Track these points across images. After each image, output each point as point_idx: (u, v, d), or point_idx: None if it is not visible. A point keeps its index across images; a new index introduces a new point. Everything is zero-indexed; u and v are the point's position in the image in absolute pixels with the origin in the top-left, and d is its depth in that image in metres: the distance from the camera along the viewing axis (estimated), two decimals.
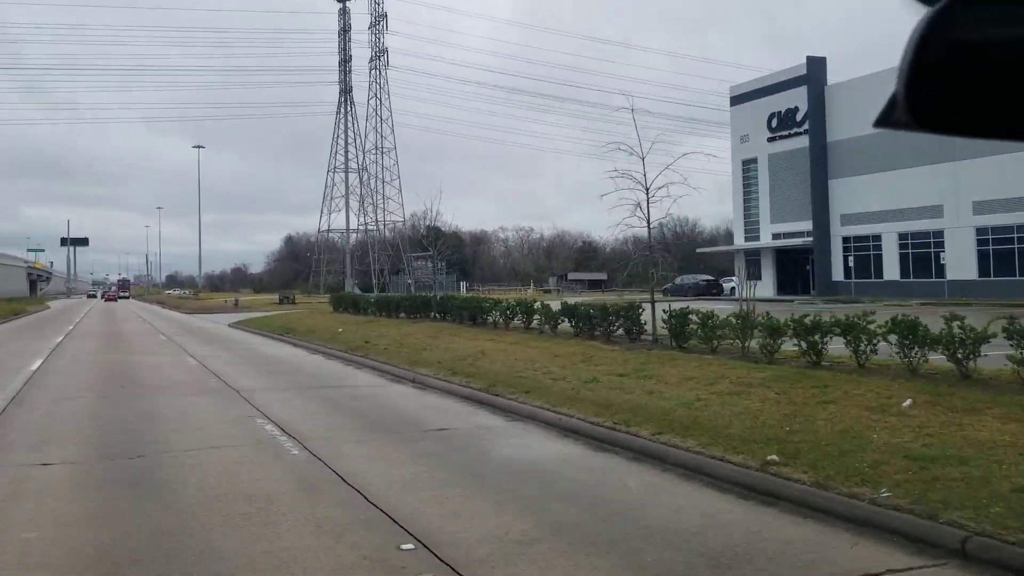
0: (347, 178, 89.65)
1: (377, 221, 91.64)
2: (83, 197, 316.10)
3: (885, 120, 0.93)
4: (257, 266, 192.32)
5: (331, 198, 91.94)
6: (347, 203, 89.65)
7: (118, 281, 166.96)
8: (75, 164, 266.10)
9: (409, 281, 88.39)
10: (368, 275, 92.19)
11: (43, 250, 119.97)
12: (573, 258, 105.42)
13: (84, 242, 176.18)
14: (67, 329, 34.01)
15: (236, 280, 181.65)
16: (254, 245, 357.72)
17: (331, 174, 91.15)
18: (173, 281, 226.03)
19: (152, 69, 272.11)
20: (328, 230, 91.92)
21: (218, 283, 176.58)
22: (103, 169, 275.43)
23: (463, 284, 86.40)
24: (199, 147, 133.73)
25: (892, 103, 0.92)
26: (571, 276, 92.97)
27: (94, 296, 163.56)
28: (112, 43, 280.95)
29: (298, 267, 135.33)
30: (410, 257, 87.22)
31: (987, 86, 0.88)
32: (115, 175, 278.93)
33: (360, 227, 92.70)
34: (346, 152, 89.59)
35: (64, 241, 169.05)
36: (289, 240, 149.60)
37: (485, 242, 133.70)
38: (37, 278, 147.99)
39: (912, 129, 0.93)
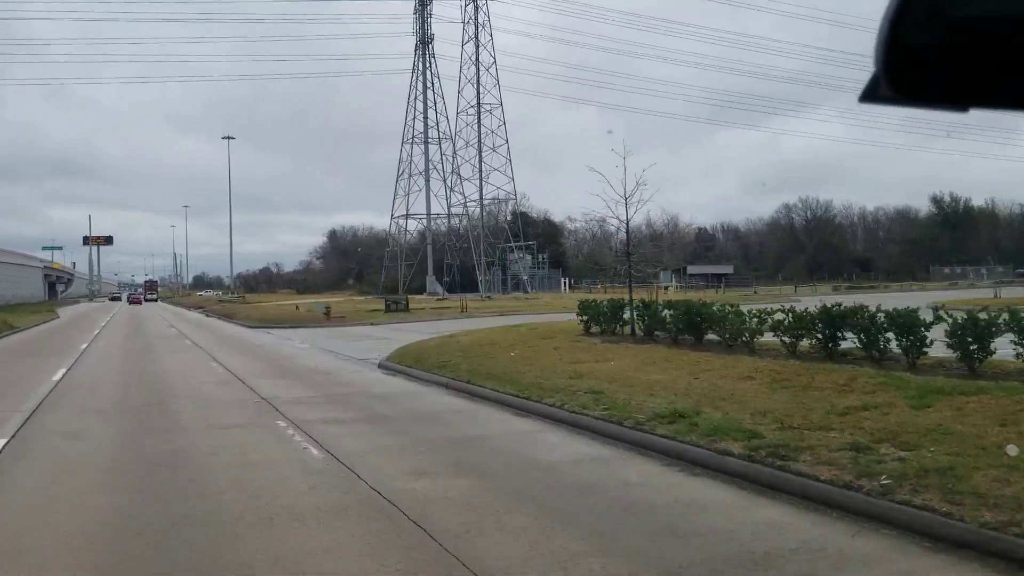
0: (426, 150, 73.25)
1: (479, 200, 75.02)
2: (104, 198, 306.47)
3: (870, 96, 0.92)
4: (288, 265, 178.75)
5: (408, 175, 75.28)
6: (427, 181, 73.50)
7: (144, 283, 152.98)
8: (95, 165, 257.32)
9: (507, 277, 72.94)
10: (439, 271, 75.92)
11: (60, 247, 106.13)
12: (690, 248, 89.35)
13: (108, 241, 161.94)
14: (54, 377, 17.58)
15: (268, 280, 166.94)
16: (279, 246, 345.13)
17: (407, 146, 74.52)
18: (201, 282, 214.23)
19: (173, 60, 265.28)
20: (406, 214, 74.95)
21: (252, 283, 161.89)
22: (123, 169, 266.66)
23: (563, 281, 69.93)
24: (229, 138, 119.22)
25: (875, 79, 0.92)
26: (691, 270, 76.48)
27: (118, 298, 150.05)
28: (131, 38, 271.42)
29: (347, 265, 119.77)
30: (505, 249, 71.27)
31: (966, 56, 0.88)
32: (135, 176, 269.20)
33: (447, 212, 75.86)
34: (425, 118, 73.18)
35: (86, 240, 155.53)
36: (333, 235, 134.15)
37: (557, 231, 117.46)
38: (57, 279, 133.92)
39: (897, 104, 0.93)
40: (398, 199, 73.16)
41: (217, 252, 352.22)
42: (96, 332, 35.37)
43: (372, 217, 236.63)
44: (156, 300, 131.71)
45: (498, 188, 68.91)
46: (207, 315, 51.88)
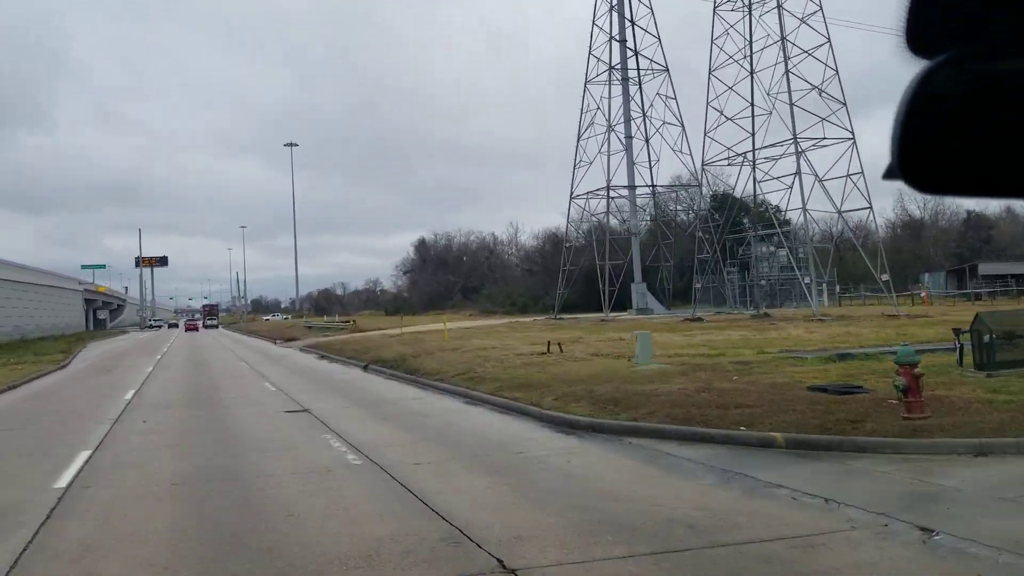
0: (625, 89, 49.97)
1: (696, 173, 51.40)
2: (155, 224, 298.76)
3: (890, 174, 0.92)
4: (355, 285, 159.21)
5: (586, 146, 51.68)
6: (628, 138, 50.28)
7: (203, 307, 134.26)
8: (146, 190, 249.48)
9: (749, 284, 49.91)
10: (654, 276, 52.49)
11: (103, 266, 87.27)
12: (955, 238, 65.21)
13: (162, 262, 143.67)
14: None
15: (339, 302, 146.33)
16: (332, 269, 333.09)
17: (587, 115, 50.79)
18: (259, 306, 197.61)
19: (223, 86, 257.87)
20: (590, 193, 51.43)
21: (324, 305, 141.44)
22: (175, 194, 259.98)
23: (825, 292, 46.01)
24: (291, 144, 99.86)
25: (892, 167, 0.92)
26: (984, 271, 52.19)
27: (175, 326, 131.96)
28: (182, 64, 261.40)
29: (447, 278, 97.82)
30: (749, 240, 47.79)
31: (975, 147, 0.89)
32: (186, 201, 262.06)
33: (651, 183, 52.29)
34: (622, 40, 49.80)
35: (138, 262, 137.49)
36: (422, 246, 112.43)
37: None
38: (104, 305, 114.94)
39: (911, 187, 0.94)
40: (579, 171, 50.21)
41: (272, 276, 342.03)
42: (144, 376, 16.01)
43: (466, 222, 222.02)
44: (216, 326, 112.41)
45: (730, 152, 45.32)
46: (324, 358, 29.72)
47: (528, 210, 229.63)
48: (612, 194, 48.47)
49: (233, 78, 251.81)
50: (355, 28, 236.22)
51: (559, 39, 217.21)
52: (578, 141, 49.94)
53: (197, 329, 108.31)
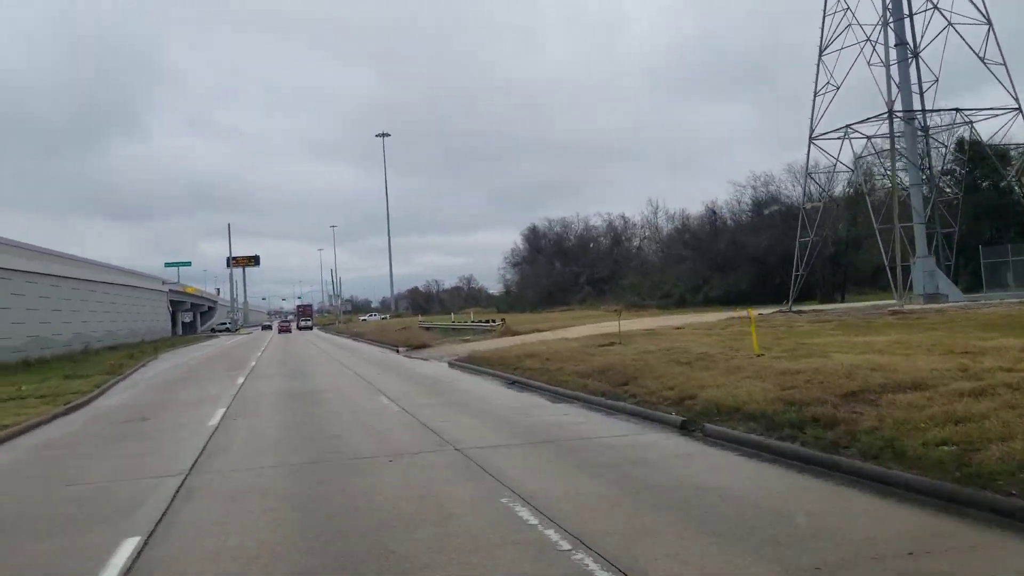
0: None
1: None
2: (246, 230, 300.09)
3: None
4: (448, 283, 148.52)
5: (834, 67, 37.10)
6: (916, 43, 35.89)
7: (297, 307, 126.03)
8: (236, 194, 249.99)
9: None
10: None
11: (188, 263, 77.95)
12: None
13: (254, 261, 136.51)
14: None
15: (439, 300, 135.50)
16: (418, 268, 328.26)
17: (833, 17, 35.96)
18: (351, 306, 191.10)
19: (311, 89, 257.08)
20: (849, 127, 36.55)
21: (423, 303, 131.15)
22: (264, 198, 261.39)
23: None
24: (383, 135, 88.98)
25: None
26: None
27: (269, 327, 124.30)
28: (269, 70, 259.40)
29: (572, 269, 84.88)
30: None
31: None
32: (275, 204, 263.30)
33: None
34: None
35: (229, 261, 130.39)
36: (533, 234, 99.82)
37: None
38: (193, 307, 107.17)
39: None
40: (819, 99, 36.19)
41: (360, 277, 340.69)
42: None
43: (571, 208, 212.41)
44: (311, 327, 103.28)
45: None
46: (531, 388, 16.92)
47: (613, 204, 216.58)
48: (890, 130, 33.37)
49: (320, 80, 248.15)
50: (443, 26, 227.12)
51: (656, 26, 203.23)
52: (820, 55, 35.64)
53: (290, 330, 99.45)
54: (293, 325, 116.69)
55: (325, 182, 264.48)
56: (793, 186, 61.76)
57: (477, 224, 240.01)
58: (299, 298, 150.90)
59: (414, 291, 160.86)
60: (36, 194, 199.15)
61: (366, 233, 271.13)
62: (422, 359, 27.40)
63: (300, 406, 14.89)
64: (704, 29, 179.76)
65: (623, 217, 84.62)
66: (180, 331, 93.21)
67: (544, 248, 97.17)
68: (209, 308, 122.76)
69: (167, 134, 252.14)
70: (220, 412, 14.15)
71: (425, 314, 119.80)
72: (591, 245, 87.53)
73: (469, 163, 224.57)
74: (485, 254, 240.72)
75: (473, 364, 21.42)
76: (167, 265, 80.00)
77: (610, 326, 33.18)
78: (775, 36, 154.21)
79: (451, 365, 23.15)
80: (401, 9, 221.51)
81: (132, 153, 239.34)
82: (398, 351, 32.19)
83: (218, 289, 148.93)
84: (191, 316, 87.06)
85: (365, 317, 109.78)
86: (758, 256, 60.18)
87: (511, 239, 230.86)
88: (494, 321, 38.23)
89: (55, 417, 14.62)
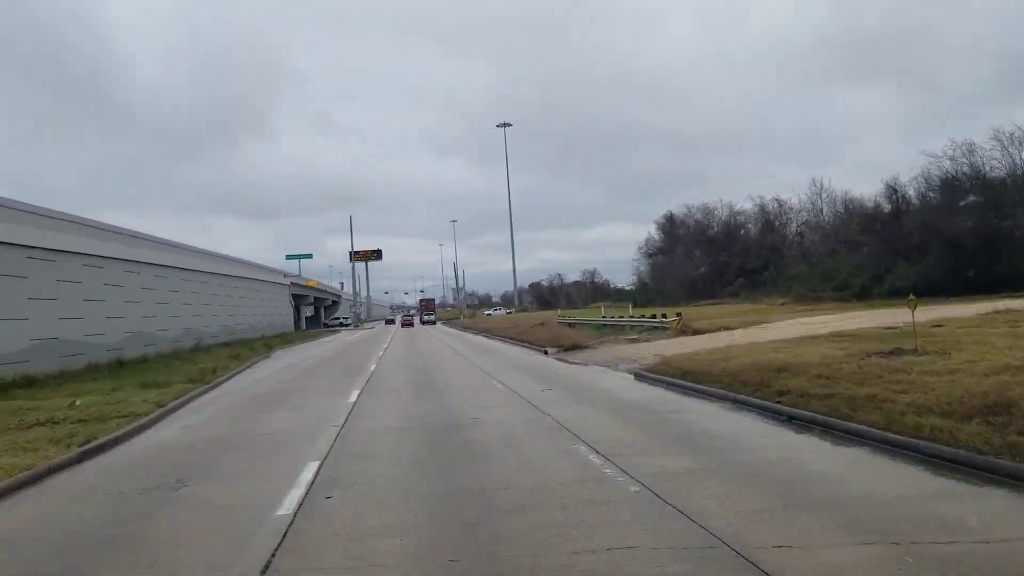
0: None
1: None
2: (367, 227, 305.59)
3: None
4: (569, 277, 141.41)
5: None
6: None
7: (420, 301, 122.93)
8: (360, 194, 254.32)
9: None
10: None
11: (310, 255, 74.87)
12: None
13: (376, 255, 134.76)
14: None
15: (567, 295, 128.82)
16: (535, 263, 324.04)
17: None
18: (475, 301, 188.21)
19: (429, 86, 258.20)
20: None
21: (548, 297, 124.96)
22: (383, 195, 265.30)
23: None
24: (505, 125, 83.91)
25: None
26: None
27: (392, 322, 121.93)
28: (388, 68, 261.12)
29: (720, 258, 76.26)
30: None
31: None
32: (395, 203, 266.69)
33: None
34: None
35: (352, 256, 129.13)
36: (670, 223, 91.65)
37: None
38: (316, 301, 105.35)
39: None
40: None
41: (478, 273, 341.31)
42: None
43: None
44: (434, 322, 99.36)
45: None
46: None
47: (740, 195, 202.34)
48: None
49: (438, 77, 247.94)
50: (561, 13, 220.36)
51: (787, 5, 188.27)
52: None
53: (412, 325, 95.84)
54: (416, 319, 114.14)
55: (443, 179, 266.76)
56: (1003, 156, 51.23)
57: (595, 218, 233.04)
58: (421, 292, 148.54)
59: (537, 285, 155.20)
60: (174, 196, 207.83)
61: (483, 229, 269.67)
62: (581, 364, 20.84)
63: (442, 462, 8.55)
64: (840, 7, 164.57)
65: (777, 200, 75.03)
66: (304, 325, 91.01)
67: (683, 237, 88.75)
68: (333, 302, 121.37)
69: (292, 135, 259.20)
70: (307, 475, 7.97)
71: (550, 308, 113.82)
72: (740, 232, 78.48)
73: (587, 155, 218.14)
74: (603, 248, 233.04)
75: (678, 379, 14.58)
76: (288, 258, 77.46)
77: (814, 322, 25.64)
78: (914, 15, 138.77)
79: (639, 377, 16.45)
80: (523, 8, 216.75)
81: (260, 154, 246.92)
82: (546, 353, 25.75)
83: (341, 283, 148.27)
84: (312, 310, 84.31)
85: (489, 312, 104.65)
86: (953, 240, 50.14)
87: (631, 232, 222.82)
88: (664, 316, 31.03)
89: (38, 479, 8.85)
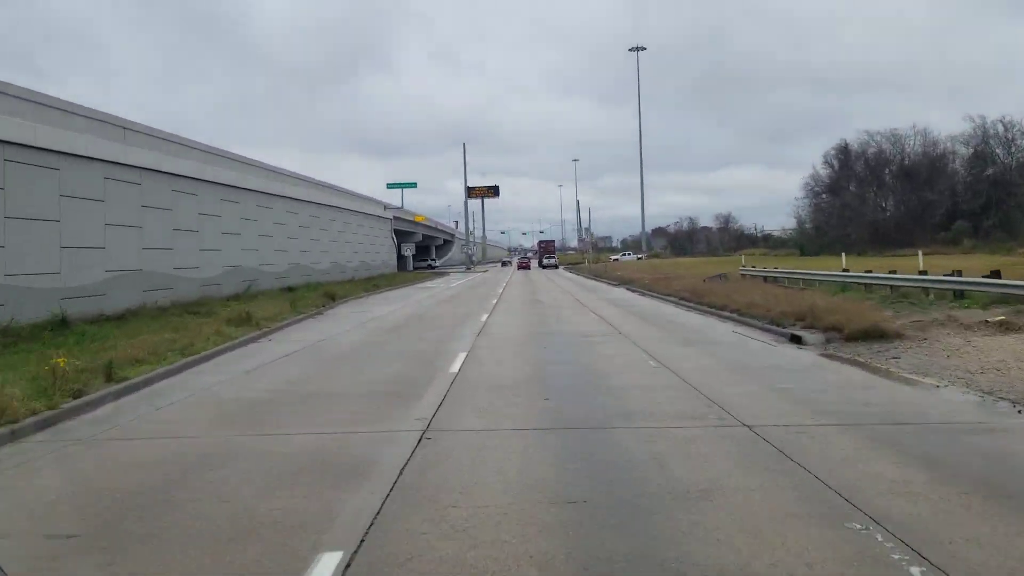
0: None
1: None
2: (486, 168, 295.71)
3: None
4: (702, 221, 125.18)
5: None
6: None
7: (538, 243, 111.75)
8: (481, 133, 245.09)
9: None
10: None
11: (413, 184, 63.26)
12: None
13: (493, 191, 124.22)
14: None
15: (706, 240, 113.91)
16: (658, 208, 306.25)
17: None
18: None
19: (555, 22, 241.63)
20: None
21: (682, 245, 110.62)
22: (506, 137, 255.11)
23: None
24: (638, 48, 69.92)
25: None
26: None
27: (509, 263, 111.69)
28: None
29: (914, 197, 60.32)
30: None
31: None
32: (516, 143, 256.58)
33: None
34: None
35: (467, 191, 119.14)
36: (844, 155, 75.39)
37: None
38: (426, 239, 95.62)
39: None
40: None
41: (599, 217, 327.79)
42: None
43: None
44: (556, 266, 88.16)
45: None
46: None
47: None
48: None
49: (566, 13, 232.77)
50: None
51: None
52: None
53: (529, 267, 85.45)
54: (533, 263, 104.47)
55: (564, 120, 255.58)
56: None
57: (723, 161, 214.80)
58: (541, 232, 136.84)
59: (662, 231, 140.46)
60: (300, 134, 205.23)
61: (603, 172, 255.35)
62: (976, 397, 8.42)
63: None
64: None
65: (1004, 122, 57.69)
66: (410, 266, 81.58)
67: (861, 173, 72.60)
68: (445, 242, 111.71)
69: (415, 73, 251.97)
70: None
71: (684, 254, 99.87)
72: (947, 166, 61.94)
73: (717, 94, 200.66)
74: (731, 193, 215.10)
75: None
76: (390, 187, 66.25)
77: None
78: None
79: None
80: None
81: (381, 91, 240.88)
82: (798, 343, 13.36)
83: (456, 222, 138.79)
84: (412, 249, 74.09)
85: (616, 257, 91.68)
86: None
87: (762, 177, 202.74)
88: (959, 273, 17.43)
89: None
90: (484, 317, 20.55)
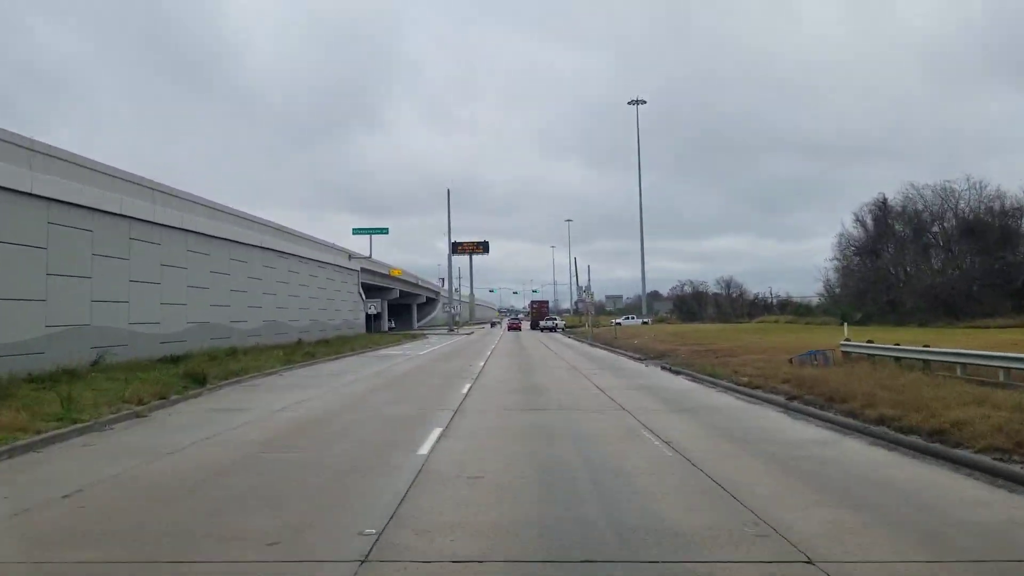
0: None
1: None
2: (473, 227, 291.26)
3: None
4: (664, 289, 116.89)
5: None
6: None
7: (531, 304, 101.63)
8: (466, 196, 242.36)
9: None
10: None
11: (385, 230, 52.20)
12: None
13: (482, 248, 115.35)
14: None
15: (715, 304, 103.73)
16: (649, 272, 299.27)
17: None
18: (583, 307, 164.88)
19: (545, 80, 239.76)
20: None
21: (692, 308, 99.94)
22: (495, 197, 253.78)
23: None
24: (638, 102, 62.11)
25: None
26: None
27: (497, 324, 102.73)
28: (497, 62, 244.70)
29: (975, 261, 50.56)
30: None
31: None
32: (504, 204, 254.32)
33: None
34: None
35: (455, 248, 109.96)
36: (882, 212, 66.12)
37: None
38: (404, 297, 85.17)
39: None
40: None
41: (589, 280, 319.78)
42: None
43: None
44: (554, 328, 78.63)
45: None
46: None
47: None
48: None
49: (555, 71, 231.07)
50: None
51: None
52: None
53: (520, 328, 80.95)
54: (525, 324, 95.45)
55: (554, 181, 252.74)
56: None
57: (713, 228, 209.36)
58: (535, 291, 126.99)
59: (658, 295, 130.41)
60: (288, 189, 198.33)
61: (593, 236, 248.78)
62: None
63: None
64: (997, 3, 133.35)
65: None
66: (384, 327, 71.02)
67: (902, 232, 63.19)
68: (429, 300, 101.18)
69: (404, 131, 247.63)
70: None
71: (694, 319, 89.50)
72: (1019, 225, 52.36)
73: (707, 158, 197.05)
74: (723, 260, 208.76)
75: None
76: (356, 232, 54.92)
77: None
78: None
79: None
80: None
81: (369, 146, 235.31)
82: None
83: (442, 279, 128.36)
84: (379, 306, 62.87)
85: (618, 321, 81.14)
86: None
87: (752, 245, 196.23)
88: None
89: None
90: (437, 431, 10.30)
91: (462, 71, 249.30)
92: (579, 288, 72.28)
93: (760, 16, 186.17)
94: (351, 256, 52.10)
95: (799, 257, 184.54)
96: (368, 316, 57.49)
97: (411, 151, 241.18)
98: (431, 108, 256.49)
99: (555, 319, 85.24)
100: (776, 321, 67.28)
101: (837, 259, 69.38)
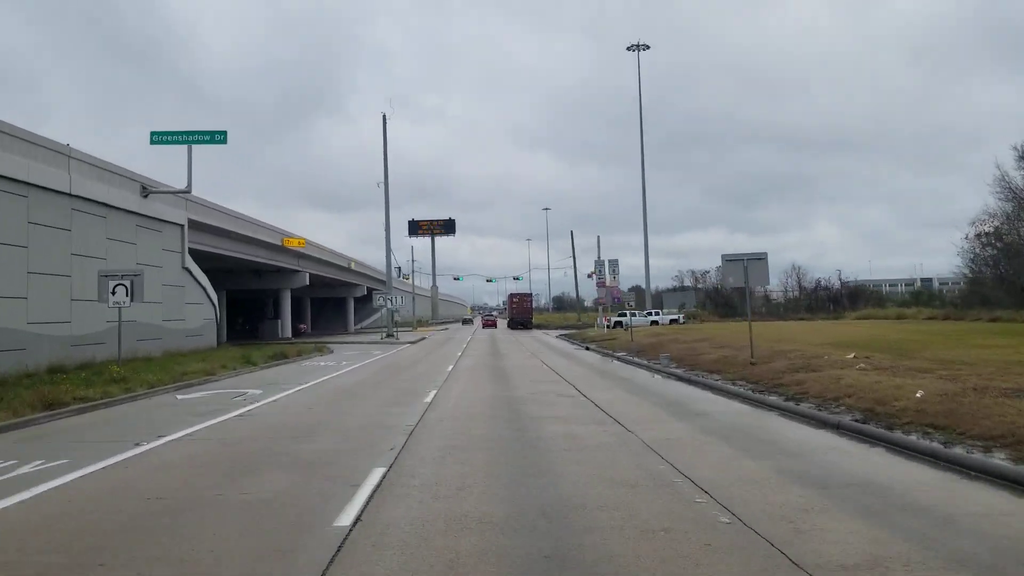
0: None
1: None
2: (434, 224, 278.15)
3: None
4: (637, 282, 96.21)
5: None
6: None
7: (509, 297, 78.36)
8: (437, 190, 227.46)
9: None
10: None
11: (223, 133, 29.35)
12: None
13: (447, 228, 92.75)
14: None
15: (720, 297, 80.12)
16: (628, 269, 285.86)
17: None
18: (563, 304, 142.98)
19: (519, 71, 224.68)
20: None
21: (726, 305, 76.00)
22: (466, 191, 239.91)
23: None
24: (640, 47, 43.01)
25: None
26: None
27: (470, 322, 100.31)
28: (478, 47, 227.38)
29: None
30: None
31: None
32: (473, 201, 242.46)
33: None
34: None
35: (413, 227, 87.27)
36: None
37: None
38: (342, 289, 59.82)
39: None
40: None
41: (561, 278, 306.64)
42: None
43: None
44: (530, 327, 56.13)
45: None
46: None
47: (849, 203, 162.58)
48: None
49: (529, 62, 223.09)
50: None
51: None
52: None
53: (495, 326, 75.22)
54: (500, 322, 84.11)
55: (526, 176, 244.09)
56: None
57: (686, 223, 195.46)
58: (516, 279, 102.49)
59: (636, 288, 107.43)
60: (249, 177, 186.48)
61: (564, 234, 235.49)
62: None
63: None
64: None
65: None
66: (292, 330, 46.16)
67: None
68: (370, 291, 74.42)
69: (370, 121, 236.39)
70: None
71: (731, 315, 64.90)
72: None
73: (683, 153, 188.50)
74: (693, 256, 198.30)
75: None
76: (154, 137, 27.46)
77: None
78: None
79: None
80: None
81: (334, 136, 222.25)
82: None
83: (399, 268, 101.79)
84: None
85: (616, 318, 55.07)
86: None
87: (727, 239, 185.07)
88: None
89: None
90: None
91: (429, 69, 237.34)
92: (597, 265, 47.03)
93: (737, 7, 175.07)
94: (146, 189, 25.81)
95: (773, 253, 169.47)
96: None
97: (373, 144, 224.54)
98: (399, 101, 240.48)
99: (530, 317, 63.27)
100: (904, 317, 42.68)
101: (988, 224, 44.59)
